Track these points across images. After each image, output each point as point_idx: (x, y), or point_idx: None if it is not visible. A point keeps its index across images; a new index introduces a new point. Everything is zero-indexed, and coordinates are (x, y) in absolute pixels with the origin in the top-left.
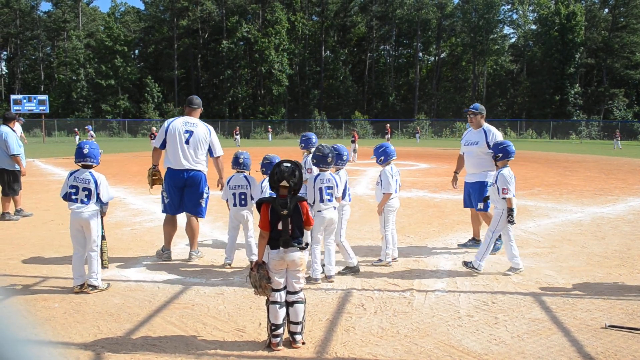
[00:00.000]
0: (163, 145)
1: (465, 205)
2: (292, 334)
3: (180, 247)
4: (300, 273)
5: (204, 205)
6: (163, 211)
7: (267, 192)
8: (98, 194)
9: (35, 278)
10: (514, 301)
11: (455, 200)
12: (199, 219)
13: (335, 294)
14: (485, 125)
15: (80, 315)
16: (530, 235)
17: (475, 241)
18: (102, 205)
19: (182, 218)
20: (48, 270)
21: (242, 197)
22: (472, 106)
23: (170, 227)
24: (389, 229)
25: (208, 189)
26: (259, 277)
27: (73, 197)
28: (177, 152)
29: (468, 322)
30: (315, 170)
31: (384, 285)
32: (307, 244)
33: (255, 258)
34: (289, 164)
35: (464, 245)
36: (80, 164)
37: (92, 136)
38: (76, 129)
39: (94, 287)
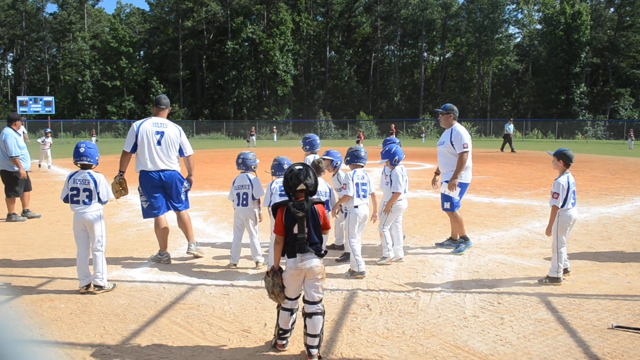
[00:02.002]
0: (134, 148)
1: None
2: (308, 347)
3: (185, 248)
4: (319, 282)
5: (184, 198)
6: (145, 217)
7: (277, 194)
8: (98, 194)
9: (41, 279)
10: (519, 301)
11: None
12: (187, 211)
13: (340, 294)
14: (455, 125)
15: (86, 316)
16: (535, 235)
17: (452, 241)
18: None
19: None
20: (54, 270)
21: (245, 197)
22: (442, 106)
23: (162, 229)
24: (387, 227)
25: (186, 182)
26: (272, 284)
27: (75, 198)
28: (151, 154)
29: (474, 322)
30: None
31: (389, 286)
32: (325, 251)
33: (260, 259)
34: (301, 167)
35: (441, 245)
36: (78, 163)
37: (50, 143)
38: (93, 130)
39: (100, 288)
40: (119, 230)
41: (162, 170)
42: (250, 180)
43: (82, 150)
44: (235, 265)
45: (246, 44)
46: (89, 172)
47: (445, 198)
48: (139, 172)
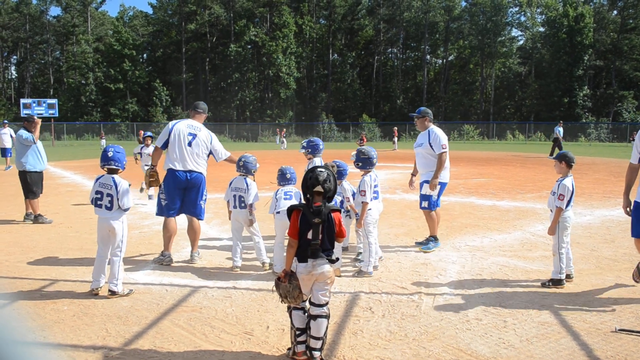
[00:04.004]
0: (165, 145)
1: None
2: (310, 349)
3: (189, 251)
4: (328, 285)
5: (203, 206)
6: (158, 214)
7: (282, 199)
8: (118, 200)
9: (44, 281)
10: (522, 304)
11: (462, 203)
12: (199, 221)
13: (343, 297)
14: (431, 127)
15: (88, 318)
16: (538, 238)
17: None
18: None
19: (182, 222)
20: (57, 273)
21: (241, 199)
22: (417, 110)
23: (170, 230)
24: (373, 237)
25: (206, 192)
26: (292, 287)
27: (99, 202)
28: (181, 154)
29: (476, 325)
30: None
31: (391, 289)
32: (337, 258)
33: (266, 260)
34: (323, 170)
35: (420, 243)
36: (105, 168)
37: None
38: (102, 133)
39: (114, 293)
40: None
41: (190, 171)
42: (247, 184)
43: (110, 154)
44: (237, 267)
45: (249, 46)
46: (112, 177)
47: (424, 197)
48: (167, 171)
